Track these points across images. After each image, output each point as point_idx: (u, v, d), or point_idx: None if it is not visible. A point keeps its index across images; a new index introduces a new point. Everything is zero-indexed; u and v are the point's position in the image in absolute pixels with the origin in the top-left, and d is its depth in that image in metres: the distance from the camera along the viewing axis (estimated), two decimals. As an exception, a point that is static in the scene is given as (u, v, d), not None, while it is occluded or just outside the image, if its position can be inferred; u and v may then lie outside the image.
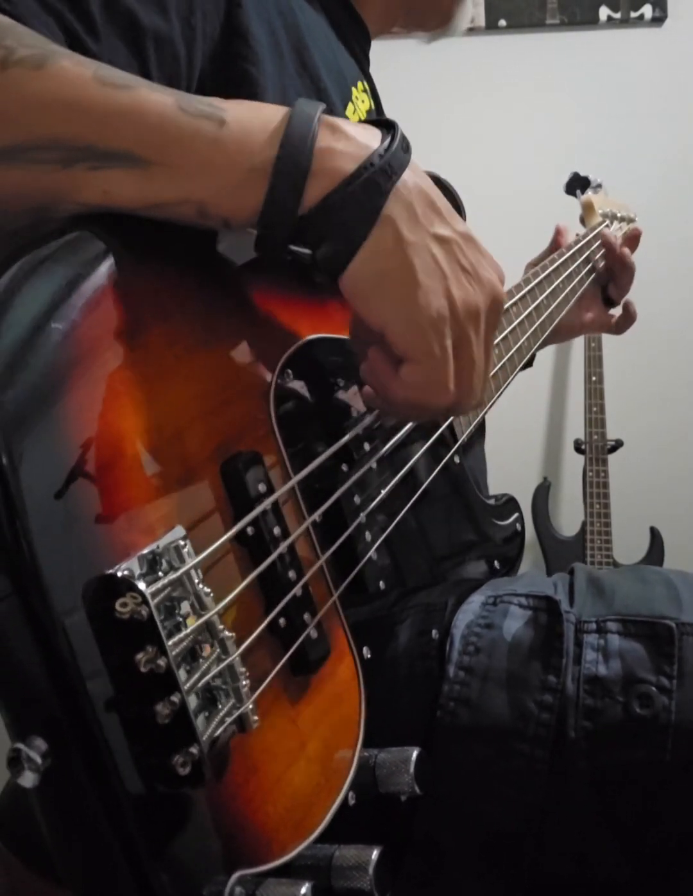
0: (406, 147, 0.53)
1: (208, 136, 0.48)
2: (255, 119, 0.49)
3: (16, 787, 0.48)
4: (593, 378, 2.19)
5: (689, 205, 2.26)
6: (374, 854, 0.50)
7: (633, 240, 1.22)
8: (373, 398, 0.60)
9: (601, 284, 1.15)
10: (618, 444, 2.20)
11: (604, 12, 2.23)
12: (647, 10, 2.23)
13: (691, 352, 2.31)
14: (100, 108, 0.46)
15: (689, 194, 2.26)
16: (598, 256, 1.14)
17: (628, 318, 1.18)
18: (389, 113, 0.97)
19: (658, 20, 2.24)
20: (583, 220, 1.26)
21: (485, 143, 2.24)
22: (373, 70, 0.95)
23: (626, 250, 1.12)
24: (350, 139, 0.50)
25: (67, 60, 0.47)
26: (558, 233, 1.13)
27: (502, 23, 2.22)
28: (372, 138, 0.52)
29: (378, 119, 0.55)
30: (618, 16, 2.23)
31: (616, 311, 1.18)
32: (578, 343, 2.28)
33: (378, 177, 0.50)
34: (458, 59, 2.20)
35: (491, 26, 2.23)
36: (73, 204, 0.48)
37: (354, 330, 0.59)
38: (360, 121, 0.55)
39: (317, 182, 0.49)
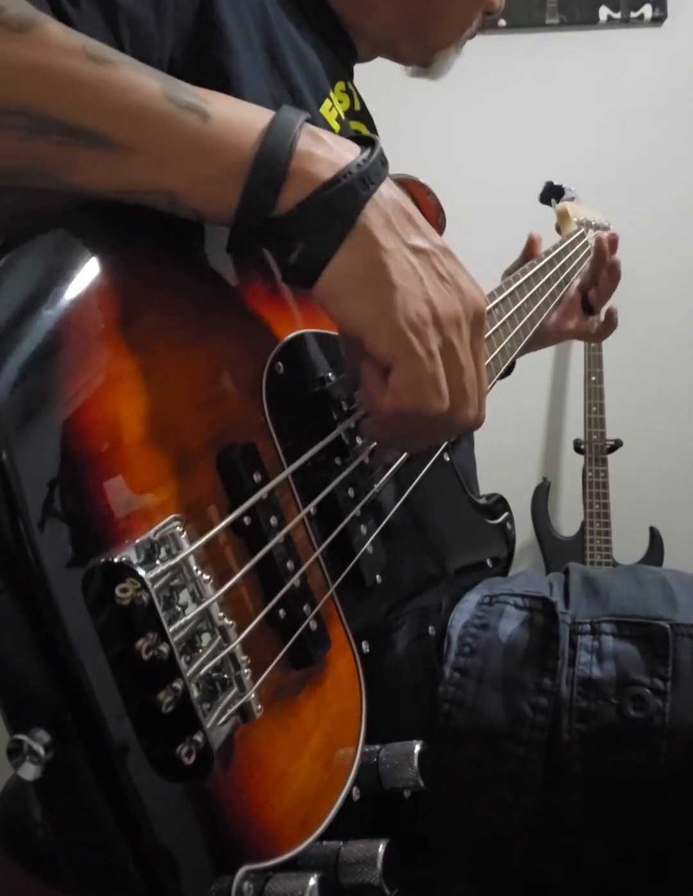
0: (384, 161, 0.53)
1: (189, 129, 0.47)
2: (237, 117, 0.49)
3: (15, 789, 0.48)
4: (593, 378, 2.18)
5: (689, 205, 2.26)
6: (382, 848, 0.50)
7: (612, 245, 1.21)
8: (370, 425, 0.59)
9: (583, 291, 1.13)
10: (618, 444, 2.20)
11: (604, 12, 2.23)
12: (647, 10, 2.23)
13: (691, 352, 2.31)
14: (79, 81, 0.45)
15: (689, 194, 2.26)
16: (575, 263, 1.13)
17: (610, 326, 1.16)
18: (387, 113, 0.97)
19: (658, 20, 2.24)
20: (559, 229, 1.26)
21: (483, 143, 2.24)
22: (370, 68, 0.95)
23: (617, 259, 1.11)
24: (330, 147, 0.51)
25: (56, 27, 0.46)
26: (532, 243, 1.12)
27: (502, 22, 2.22)
28: (351, 149, 0.52)
29: (359, 135, 0.55)
30: (618, 16, 2.23)
31: (598, 319, 1.16)
32: (578, 343, 2.28)
33: (355, 184, 0.50)
34: (458, 58, 2.20)
35: (490, 26, 2.22)
36: (40, 177, 0.47)
37: (344, 350, 0.58)
38: (350, 135, 0.55)
39: (294, 185, 0.49)
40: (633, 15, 2.23)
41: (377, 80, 1.01)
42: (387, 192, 0.52)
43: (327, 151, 0.50)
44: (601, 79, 2.25)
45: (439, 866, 0.66)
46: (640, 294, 2.17)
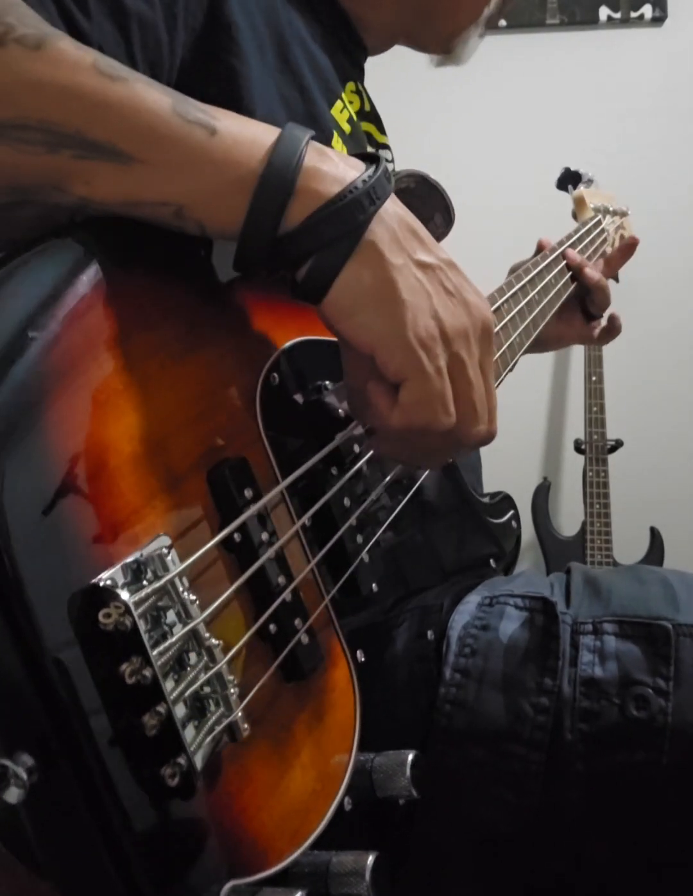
0: (388, 178, 0.53)
1: (196, 143, 0.48)
2: (244, 133, 0.50)
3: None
4: (593, 378, 2.18)
5: (690, 205, 2.26)
6: (371, 859, 0.50)
7: (628, 249, 1.18)
8: (375, 440, 0.58)
9: (580, 297, 1.10)
10: (618, 444, 2.20)
11: (604, 12, 2.23)
12: (647, 10, 2.23)
13: (691, 352, 2.31)
14: (92, 96, 0.46)
15: (690, 194, 2.26)
16: (590, 251, 1.11)
17: (612, 331, 1.14)
18: (389, 112, 0.96)
19: (658, 20, 2.24)
20: (575, 216, 1.25)
21: (484, 143, 2.24)
22: (372, 68, 0.95)
23: (593, 272, 1.06)
24: (336, 164, 0.51)
25: (68, 44, 0.47)
26: (540, 247, 1.09)
27: (502, 22, 2.22)
28: (356, 166, 0.52)
29: (362, 153, 0.55)
30: (618, 16, 2.23)
31: (600, 323, 1.14)
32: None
33: (362, 199, 0.50)
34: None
35: (491, 26, 2.22)
36: (55, 192, 0.47)
37: (347, 366, 0.57)
38: (359, 145, 0.55)
39: (301, 201, 0.49)
40: (634, 15, 2.23)
41: (377, 79, 1.00)
42: (391, 207, 0.52)
43: (333, 168, 0.50)
44: (601, 79, 2.25)
45: (442, 867, 0.66)
46: (641, 294, 2.17)
